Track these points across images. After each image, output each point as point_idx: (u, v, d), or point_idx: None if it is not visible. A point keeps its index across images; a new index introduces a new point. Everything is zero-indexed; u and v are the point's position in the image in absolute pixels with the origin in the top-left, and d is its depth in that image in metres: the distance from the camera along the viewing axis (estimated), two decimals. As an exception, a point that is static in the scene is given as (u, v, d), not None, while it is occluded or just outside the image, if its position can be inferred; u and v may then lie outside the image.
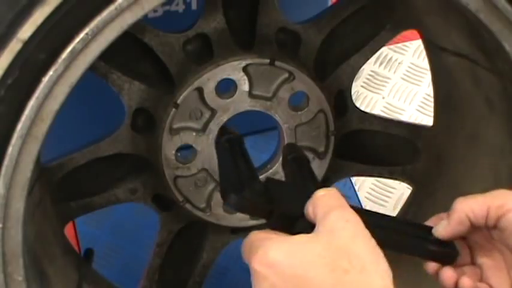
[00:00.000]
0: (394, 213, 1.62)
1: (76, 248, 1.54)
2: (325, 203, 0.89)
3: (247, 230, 1.34)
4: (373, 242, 0.85)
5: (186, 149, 1.22)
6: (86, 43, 0.86)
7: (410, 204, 1.43)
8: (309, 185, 1.12)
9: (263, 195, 0.96)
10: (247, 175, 1.03)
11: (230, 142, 1.15)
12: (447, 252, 0.98)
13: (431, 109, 1.33)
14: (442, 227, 0.98)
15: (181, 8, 1.68)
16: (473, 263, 1.00)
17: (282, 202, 0.95)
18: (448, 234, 0.97)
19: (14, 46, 0.84)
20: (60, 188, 1.22)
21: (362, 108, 1.37)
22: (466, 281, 0.97)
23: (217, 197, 1.26)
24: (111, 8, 0.85)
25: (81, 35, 0.85)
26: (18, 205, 0.92)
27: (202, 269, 1.38)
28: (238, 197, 0.94)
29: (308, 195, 0.90)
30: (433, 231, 0.98)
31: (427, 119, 2.01)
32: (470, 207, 0.95)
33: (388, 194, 1.95)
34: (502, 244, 0.96)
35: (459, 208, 0.96)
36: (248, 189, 0.95)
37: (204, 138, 1.21)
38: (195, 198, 1.26)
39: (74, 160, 1.22)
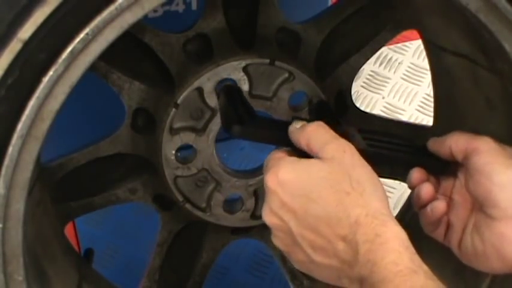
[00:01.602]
0: (394, 213, 1.62)
1: (76, 248, 1.54)
2: (319, 137, 0.98)
3: (247, 230, 1.35)
4: (369, 168, 0.95)
5: (186, 149, 1.22)
6: (86, 43, 0.86)
7: (410, 204, 1.43)
8: None
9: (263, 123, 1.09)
10: (247, 112, 1.10)
11: (228, 88, 1.17)
12: (438, 161, 1.07)
13: (431, 109, 1.33)
14: (433, 141, 1.08)
15: (181, 8, 1.68)
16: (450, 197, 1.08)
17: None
18: (434, 149, 1.07)
19: (14, 46, 0.84)
20: (60, 188, 1.22)
21: (362, 108, 1.37)
22: (439, 203, 1.06)
23: (217, 197, 1.26)
24: (111, 8, 0.85)
25: (82, 35, 0.85)
26: (19, 205, 0.92)
27: (202, 269, 1.38)
28: (241, 127, 1.04)
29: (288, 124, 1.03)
30: (429, 142, 1.08)
31: (427, 119, 2.02)
32: (456, 141, 1.04)
33: (388, 194, 1.94)
34: (466, 187, 1.04)
35: (450, 137, 1.05)
36: (250, 120, 1.06)
37: (204, 138, 1.21)
38: (195, 198, 1.26)
39: (74, 160, 1.22)
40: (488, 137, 1.02)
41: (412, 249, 0.88)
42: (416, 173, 1.08)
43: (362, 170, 0.95)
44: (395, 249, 0.87)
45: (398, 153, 1.08)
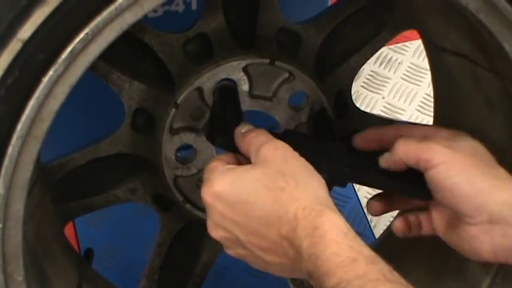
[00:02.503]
0: (394, 213, 1.62)
1: (76, 248, 1.54)
2: (256, 141, 0.99)
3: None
4: (302, 160, 0.96)
5: (186, 149, 1.22)
6: (86, 43, 0.86)
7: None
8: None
9: None
10: (235, 119, 1.09)
11: (223, 89, 1.17)
12: (418, 187, 1.04)
13: (431, 109, 1.33)
14: (384, 159, 1.05)
15: (181, 8, 1.68)
16: None
17: None
18: (389, 166, 1.05)
19: (14, 46, 0.83)
20: (60, 188, 1.22)
21: (362, 108, 1.37)
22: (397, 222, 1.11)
23: (217, 197, 1.26)
24: (111, 8, 0.85)
25: (81, 35, 0.85)
26: (18, 205, 0.92)
27: (202, 269, 1.38)
28: (222, 137, 1.05)
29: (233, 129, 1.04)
30: (379, 159, 1.06)
31: (427, 119, 2.02)
32: (404, 153, 1.02)
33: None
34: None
35: (397, 149, 1.03)
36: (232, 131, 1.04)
37: (204, 138, 1.21)
38: (195, 198, 1.26)
39: (74, 160, 1.22)
40: (437, 144, 1.01)
41: (351, 235, 0.88)
42: (375, 205, 1.11)
43: (294, 163, 0.95)
44: (333, 239, 0.87)
45: (376, 175, 1.07)
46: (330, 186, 0.97)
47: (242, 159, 1.03)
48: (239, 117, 1.12)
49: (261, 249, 0.93)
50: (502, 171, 1.02)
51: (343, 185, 1.07)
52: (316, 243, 0.87)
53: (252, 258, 0.96)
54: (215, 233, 0.98)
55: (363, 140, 1.17)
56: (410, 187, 1.06)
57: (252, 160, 0.98)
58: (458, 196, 0.98)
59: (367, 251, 0.87)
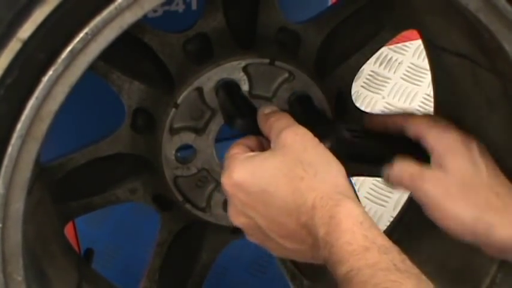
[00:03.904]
0: (394, 213, 1.62)
1: (76, 248, 1.54)
2: (277, 125, 0.99)
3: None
4: (321, 147, 0.96)
5: (186, 149, 1.22)
6: (86, 43, 0.86)
7: (410, 203, 1.43)
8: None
9: None
10: (247, 106, 1.12)
11: (227, 84, 1.17)
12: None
13: (431, 109, 1.33)
14: (384, 176, 1.10)
15: (181, 8, 1.68)
16: None
17: None
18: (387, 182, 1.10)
19: (14, 46, 0.83)
20: (60, 188, 1.22)
21: (362, 108, 1.37)
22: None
23: (217, 197, 1.26)
24: (111, 8, 0.85)
25: (81, 34, 0.85)
26: (18, 205, 0.92)
27: (202, 269, 1.38)
28: (242, 120, 1.06)
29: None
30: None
31: (427, 119, 2.01)
32: (398, 179, 1.07)
33: (388, 194, 1.95)
34: None
35: (392, 172, 1.07)
36: (251, 114, 1.07)
37: (204, 138, 1.21)
38: (195, 198, 1.26)
39: (73, 160, 1.22)
40: (430, 172, 1.04)
41: (367, 224, 0.88)
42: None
43: (313, 150, 0.96)
44: (348, 228, 0.87)
45: (384, 144, 1.11)
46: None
47: (264, 141, 1.04)
48: (249, 103, 1.14)
49: (281, 237, 0.94)
50: (486, 195, 1.03)
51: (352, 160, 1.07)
52: (331, 232, 0.88)
53: (272, 245, 0.97)
54: (237, 220, 0.98)
55: (370, 119, 1.19)
56: (412, 151, 1.08)
57: (272, 145, 0.99)
58: (443, 218, 1.03)
59: (381, 241, 0.87)
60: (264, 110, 1.05)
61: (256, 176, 0.95)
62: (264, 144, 1.04)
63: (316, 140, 0.97)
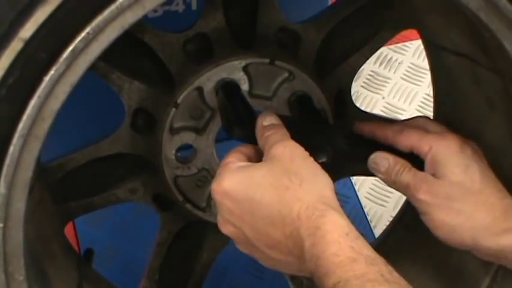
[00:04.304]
0: (394, 213, 1.62)
1: (76, 248, 1.54)
2: (271, 139, 1.00)
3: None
4: (310, 159, 0.97)
5: (186, 149, 1.22)
6: (87, 42, 0.86)
7: (410, 203, 1.43)
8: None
9: None
10: (247, 112, 1.12)
11: (227, 86, 1.18)
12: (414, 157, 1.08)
13: (431, 109, 1.34)
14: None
15: (181, 8, 1.68)
16: None
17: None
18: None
19: (15, 45, 0.83)
20: (60, 188, 1.22)
21: (362, 108, 1.37)
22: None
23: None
24: (112, 8, 0.85)
25: (83, 34, 0.85)
26: (19, 205, 0.92)
27: (202, 269, 1.38)
28: (241, 129, 1.07)
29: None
30: None
31: (426, 119, 2.01)
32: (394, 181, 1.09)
33: (388, 194, 1.95)
34: None
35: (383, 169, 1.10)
36: (248, 122, 1.07)
37: (204, 138, 1.21)
38: (195, 198, 1.26)
39: (74, 160, 1.22)
40: (423, 184, 1.05)
41: (353, 235, 0.88)
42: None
43: (301, 161, 0.96)
44: (334, 240, 0.87)
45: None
46: (333, 177, 0.98)
47: (261, 151, 1.04)
48: (249, 109, 1.14)
49: (268, 247, 0.94)
50: (475, 201, 1.04)
51: (343, 174, 1.08)
52: (317, 243, 0.87)
53: (260, 255, 0.97)
54: (225, 228, 0.99)
55: (360, 128, 1.19)
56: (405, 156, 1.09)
57: (264, 158, 1.00)
58: (435, 227, 1.06)
59: (367, 252, 0.87)
60: (263, 122, 1.05)
61: (244, 185, 0.95)
62: (261, 155, 1.04)
63: (305, 152, 0.97)
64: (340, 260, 0.85)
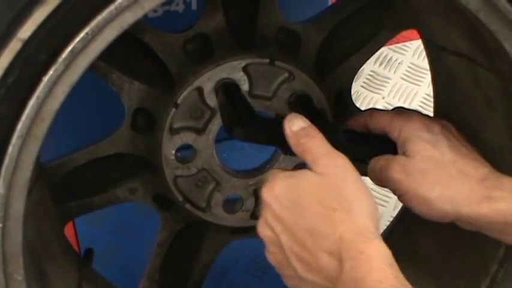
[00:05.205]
0: (394, 213, 1.62)
1: (76, 248, 1.54)
2: (314, 148, 1.00)
3: (247, 230, 1.35)
4: (362, 185, 0.96)
5: (186, 149, 1.22)
6: (86, 43, 0.86)
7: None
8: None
9: (264, 125, 1.11)
10: (247, 112, 1.12)
11: (227, 86, 1.17)
12: None
13: (431, 109, 1.34)
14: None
15: (181, 8, 1.68)
16: None
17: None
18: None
19: (14, 46, 0.83)
20: (60, 188, 1.22)
21: (362, 108, 1.37)
22: None
23: (217, 197, 1.26)
24: (111, 8, 0.85)
25: (82, 34, 0.85)
26: (18, 205, 0.92)
27: (202, 269, 1.38)
28: (241, 129, 1.07)
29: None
30: None
31: (427, 119, 2.01)
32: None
33: (388, 194, 1.94)
34: None
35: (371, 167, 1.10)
36: (249, 122, 1.09)
37: (204, 138, 1.21)
38: (195, 198, 1.26)
39: (73, 160, 1.22)
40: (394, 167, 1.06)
41: (396, 267, 0.88)
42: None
43: (353, 186, 0.96)
44: (379, 266, 0.87)
45: (372, 145, 1.12)
46: None
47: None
48: (249, 109, 1.14)
49: (300, 261, 0.94)
50: (449, 172, 1.05)
51: None
52: (358, 267, 0.87)
53: (287, 270, 0.97)
54: (263, 231, 0.99)
55: (350, 121, 1.20)
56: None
57: (309, 165, 0.99)
58: (413, 203, 1.07)
59: (410, 286, 0.87)
60: (291, 127, 1.04)
61: (294, 192, 0.96)
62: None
63: (356, 173, 0.97)
64: (383, 286, 0.85)
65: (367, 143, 1.13)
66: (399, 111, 1.15)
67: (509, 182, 1.01)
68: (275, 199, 0.96)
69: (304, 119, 1.04)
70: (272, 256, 0.98)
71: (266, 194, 0.98)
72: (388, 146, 1.10)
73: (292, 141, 1.03)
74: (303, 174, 0.98)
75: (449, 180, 1.03)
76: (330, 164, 0.97)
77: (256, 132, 1.08)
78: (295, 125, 1.03)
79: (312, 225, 0.93)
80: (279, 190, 0.97)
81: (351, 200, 0.94)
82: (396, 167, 1.05)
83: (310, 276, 0.93)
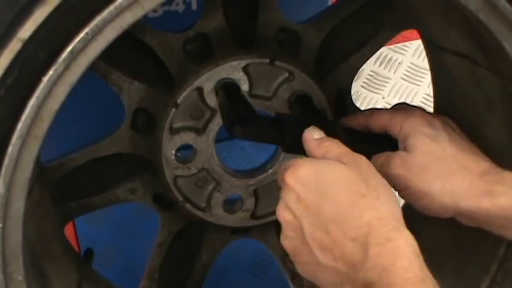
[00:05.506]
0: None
1: (76, 248, 1.54)
2: (334, 149, 0.99)
3: (247, 230, 1.35)
4: (385, 181, 0.97)
5: (186, 149, 1.22)
6: (86, 43, 0.86)
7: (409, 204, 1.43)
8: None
9: (264, 123, 1.11)
10: (247, 111, 1.12)
11: (227, 86, 1.17)
12: None
13: (431, 109, 1.34)
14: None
15: (181, 8, 1.68)
16: None
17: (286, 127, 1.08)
18: None
19: (14, 45, 0.84)
20: (60, 188, 1.22)
21: (362, 108, 1.37)
22: None
23: (217, 197, 1.26)
24: (111, 8, 0.85)
25: (81, 34, 0.85)
26: (18, 205, 0.92)
27: (202, 269, 1.38)
28: (241, 128, 1.06)
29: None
30: None
31: (427, 119, 2.01)
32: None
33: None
34: None
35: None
36: (250, 120, 1.09)
37: (204, 138, 1.21)
38: (195, 198, 1.26)
39: (73, 160, 1.22)
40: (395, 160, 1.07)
41: (422, 258, 0.88)
42: None
43: (379, 180, 0.96)
44: (406, 255, 0.87)
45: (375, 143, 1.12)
46: None
47: None
48: (249, 108, 1.14)
49: (320, 247, 0.93)
50: (449, 166, 1.05)
51: None
52: (385, 254, 0.87)
53: (304, 256, 0.95)
54: (283, 215, 0.96)
55: (349, 120, 1.19)
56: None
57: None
58: (413, 197, 1.07)
59: (434, 280, 0.87)
60: (313, 135, 1.04)
61: (321, 176, 0.95)
62: None
63: (378, 173, 0.98)
64: (409, 276, 0.85)
65: (368, 142, 1.13)
66: (400, 107, 1.16)
67: (510, 177, 1.01)
68: (300, 182, 0.95)
69: (321, 131, 1.05)
70: (288, 242, 0.97)
71: (290, 177, 0.96)
72: (389, 143, 1.10)
73: (312, 145, 1.02)
74: (330, 162, 0.97)
75: (449, 175, 1.03)
76: (355, 158, 0.97)
77: (256, 130, 1.08)
78: (317, 134, 1.04)
79: (339, 210, 0.92)
80: (304, 174, 0.95)
81: (379, 189, 0.94)
82: (397, 162, 1.05)
83: (331, 263, 0.92)
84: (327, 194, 0.93)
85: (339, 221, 0.91)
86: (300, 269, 0.97)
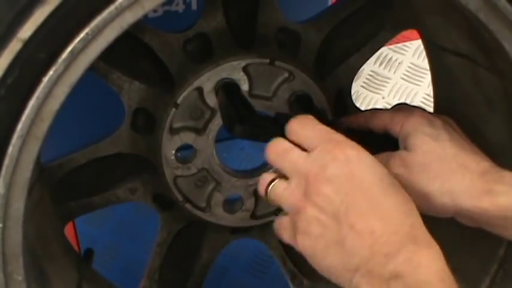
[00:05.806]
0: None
1: (76, 248, 1.54)
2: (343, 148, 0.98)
3: (247, 230, 1.35)
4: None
5: (186, 149, 1.22)
6: (86, 43, 0.86)
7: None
8: None
9: (264, 123, 1.11)
10: (247, 110, 1.12)
11: (227, 85, 1.18)
12: None
13: (431, 109, 1.34)
14: None
15: (181, 8, 1.68)
16: None
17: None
18: None
19: (14, 46, 0.83)
20: (60, 188, 1.22)
21: (362, 108, 1.37)
22: None
23: (217, 197, 1.26)
24: (112, 8, 0.85)
25: (82, 34, 0.85)
26: (18, 205, 0.92)
27: (202, 269, 1.38)
28: (243, 126, 1.07)
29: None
30: None
31: (427, 119, 2.01)
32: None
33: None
34: None
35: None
36: (250, 119, 1.09)
37: (204, 138, 1.21)
38: (195, 198, 1.26)
39: (73, 160, 1.22)
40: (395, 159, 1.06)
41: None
42: None
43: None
44: (442, 261, 0.89)
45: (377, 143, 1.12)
46: None
47: None
48: (249, 107, 1.14)
49: (360, 216, 0.91)
50: (450, 166, 1.04)
51: None
52: (420, 254, 0.89)
53: (327, 231, 0.92)
54: (293, 197, 0.96)
55: (350, 120, 1.20)
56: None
57: None
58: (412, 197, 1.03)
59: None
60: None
61: (361, 161, 0.95)
62: None
63: None
64: (444, 279, 0.88)
65: (368, 141, 1.13)
66: (400, 107, 1.16)
67: (510, 176, 1.01)
68: (346, 160, 0.95)
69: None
70: (313, 209, 0.94)
71: (341, 152, 0.96)
72: (389, 143, 1.10)
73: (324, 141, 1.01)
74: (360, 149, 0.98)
75: (449, 174, 1.03)
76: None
77: (256, 129, 1.08)
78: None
79: (369, 193, 0.92)
80: (351, 153, 0.96)
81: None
82: (397, 161, 1.06)
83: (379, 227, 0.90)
84: (361, 179, 0.94)
85: (387, 193, 0.93)
86: (316, 257, 0.94)
